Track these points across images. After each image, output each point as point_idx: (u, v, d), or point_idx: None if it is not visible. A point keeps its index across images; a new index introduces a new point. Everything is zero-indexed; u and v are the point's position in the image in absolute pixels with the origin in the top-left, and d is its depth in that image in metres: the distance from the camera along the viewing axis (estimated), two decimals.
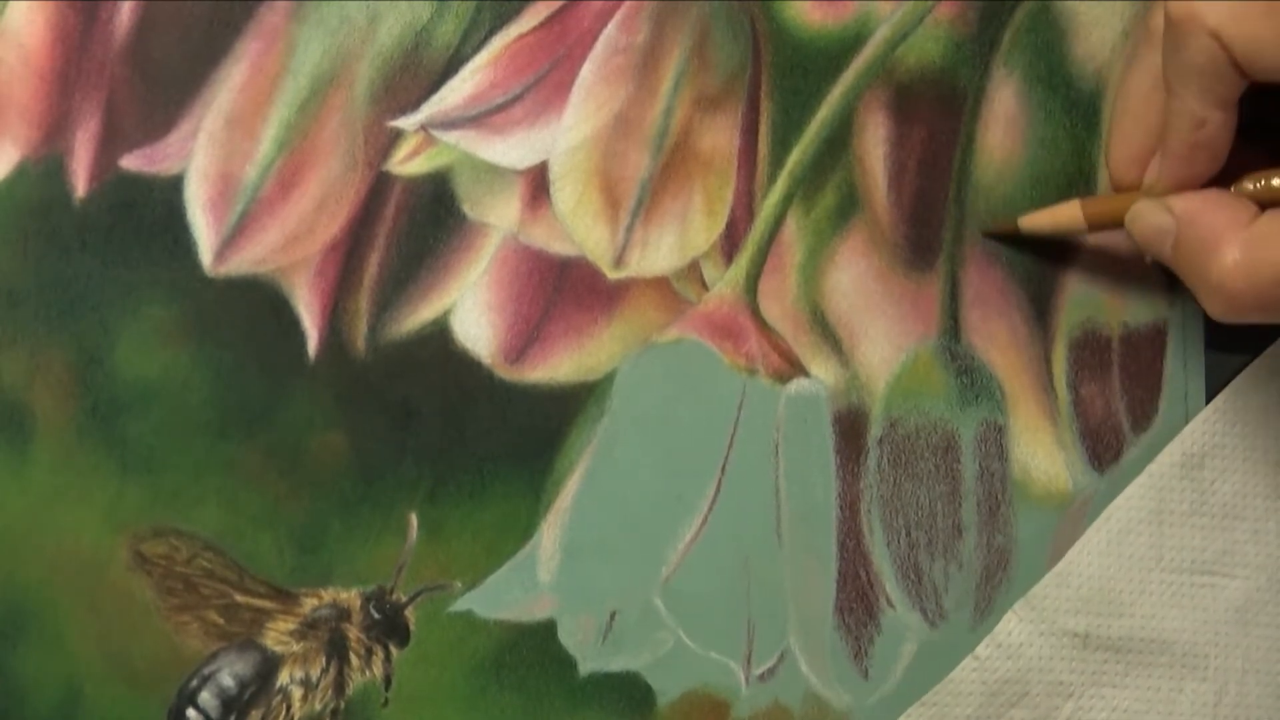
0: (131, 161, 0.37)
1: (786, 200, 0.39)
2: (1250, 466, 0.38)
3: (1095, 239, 0.39)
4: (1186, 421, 0.39)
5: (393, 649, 0.37)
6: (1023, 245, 0.39)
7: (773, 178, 0.39)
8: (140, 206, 0.37)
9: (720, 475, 0.38)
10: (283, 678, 0.37)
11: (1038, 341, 0.39)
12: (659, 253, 0.38)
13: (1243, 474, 0.38)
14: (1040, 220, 0.38)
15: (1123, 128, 0.37)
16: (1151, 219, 0.35)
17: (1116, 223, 0.37)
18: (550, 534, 0.38)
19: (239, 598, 0.37)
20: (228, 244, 0.37)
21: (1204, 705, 0.38)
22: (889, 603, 0.39)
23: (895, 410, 0.39)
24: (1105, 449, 0.39)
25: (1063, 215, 0.38)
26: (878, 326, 0.39)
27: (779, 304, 0.39)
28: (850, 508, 0.39)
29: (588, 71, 0.38)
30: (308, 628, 0.37)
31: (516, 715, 0.37)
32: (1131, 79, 0.37)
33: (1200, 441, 0.38)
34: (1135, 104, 0.37)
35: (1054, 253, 0.39)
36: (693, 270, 0.38)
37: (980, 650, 0.38)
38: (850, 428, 0.39)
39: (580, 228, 0.38)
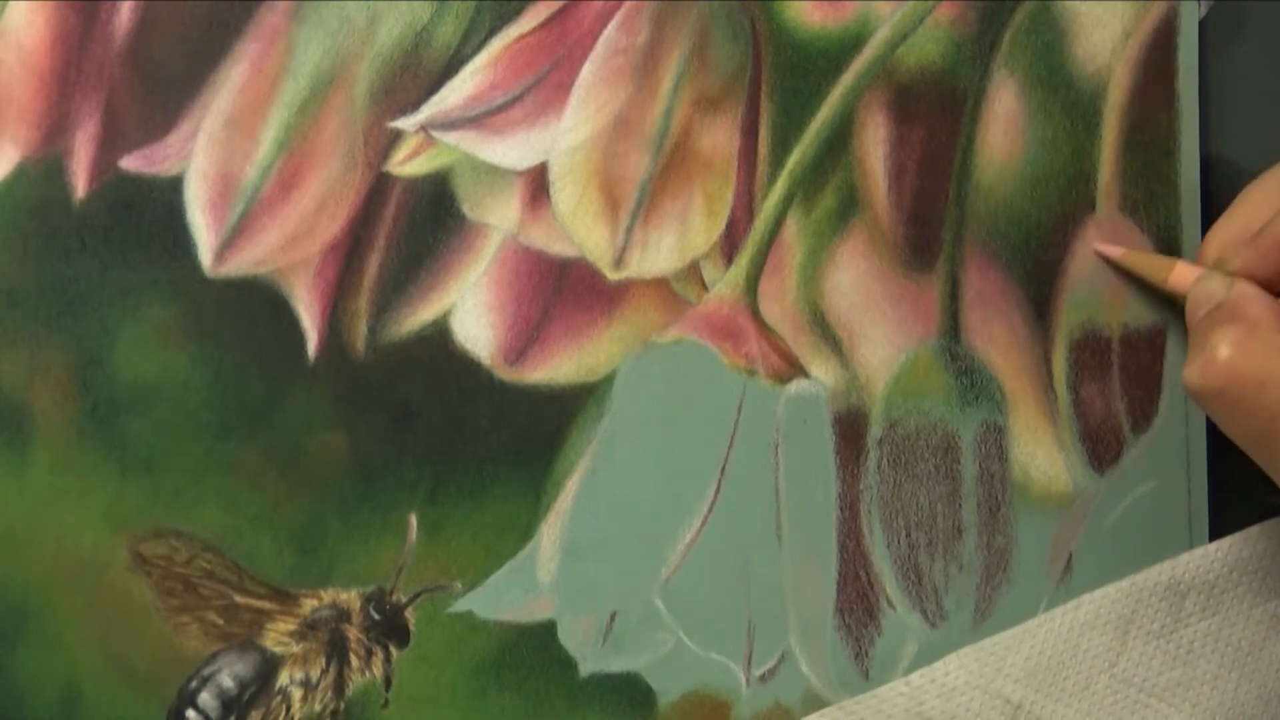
0: (131, 162, 0.37)
1: (786, 201, 0.39)
2: (1232, 615, 0.38)
3: (1095, 235, 0.39)
4: (1187, 422, 0.40)
5: (393, 650, 0.37)
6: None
7: (773, 178, 0.39)
8: (140, 207, 0.37)
9: (720, 476, 0.38)
10: (283, 678, 0.37)
11: (1038, 342, 0.39)
12: (659, 253, 0.38)
13: (1221, 619, 0.38)
14: (1138, 261, 0.39)
15: (1235, 210, 0.37)
16: (1210, 285, 0.36)
17: (1172, 289, 0.38)
18: (550, 535, 0.38)
19: (239, 598, 0.37)
20: (227, 245, 0.37)
21: None
22: (889, 603, 0.39)
23: (895, 411, 0.39)
24: (1105, 450, 0.39)
25: (1153, 265, 0.39)
26: (878, 327, 0.39)
27: (779, 305, 0.39)
28: (850, 508, 0.39)
29: (588, 72, 0.38)
30: (308, 628, 0.37)
31: (517, 716, 0.37)
32: (1268, 175, 0.37)
33: (1192, 573, 0.38)
34: (1258, 193, 0.37)
35: (1054, 253, 0.39)
36: (693, 271, 0.38)
37: (914, 678, 0.38)
38: (850, 428, 0.39)
39: (580, 228, 0.38)
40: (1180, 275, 0.38)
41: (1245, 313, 0.35)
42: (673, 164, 0.38)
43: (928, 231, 0.39)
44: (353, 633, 0.37)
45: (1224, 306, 0.35)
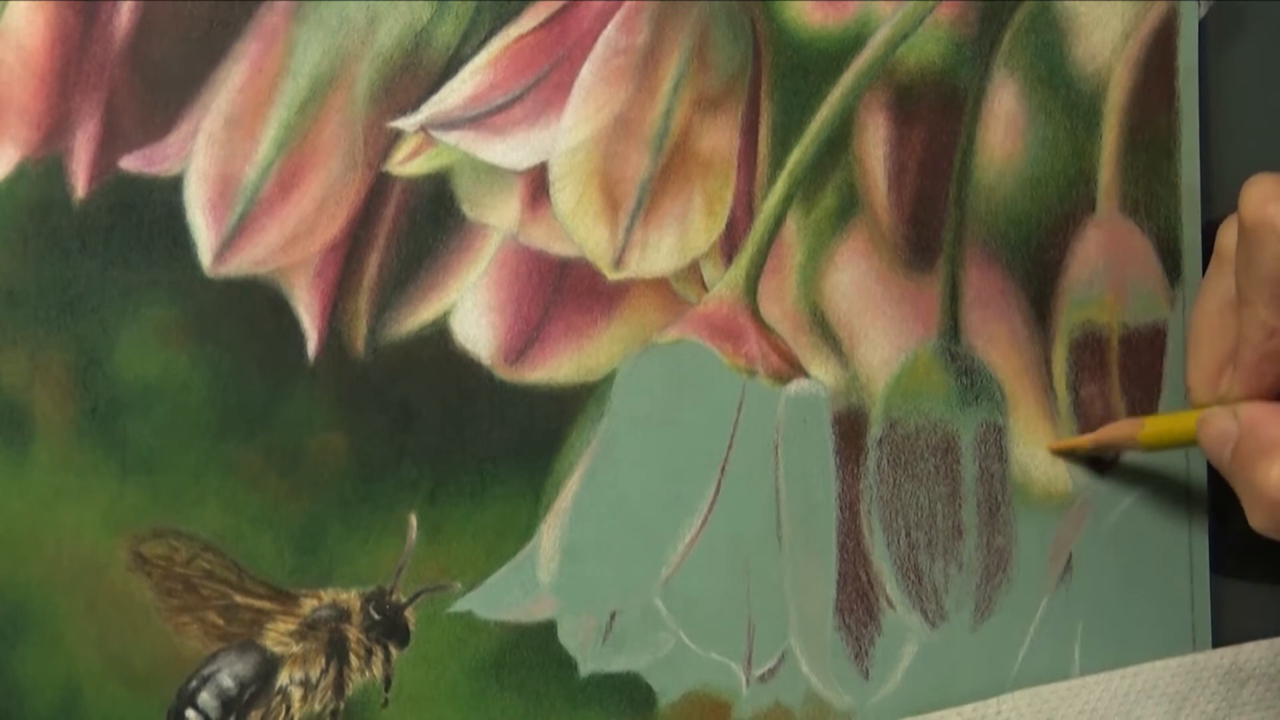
0: (131, 162, 0.37)
1: (786, 201, 0.39)
2: None
3: (1095, 236, 0.39)
4: None
5: (393, 650, 0.37)
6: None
7: (773, 178, 0.39)
8: (140, 207, 0.37)
9: (720, 476, 0.38)
10: (282, 678, 0.37)
11: (1038, 342, 0.39)
12: (659, 253, 0.38)
13: (1276, 714, 0.38)
14: (1105, 435, 0.38)
15: (1197, 350, 0.37)
16: (1218, 424, 0.35)
17: (1179, 441, 0.37)
18: (550, 535, 0.38)
19: (239, 599, 0.37)
20: (227, 245, 0.37)
21: None
22: (889, 603, 0.39)
23: (895, 411, 0.39)
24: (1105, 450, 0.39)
25: (1122, 431, 0.38)
26: (877, 327, 0.39)
27: (779, 305, 0.39)
28: (850, 508, 0.39)
29: (587, 72, 0.38)
30: (307, 629, 0.37)
31: (517, 716, 0.37)
32: (1204, 301, 0.37)
33: (1255, 663, 0.38)
34: (1208, 325, 0.37)
35: (1054, 254, 0.39)
36: (692, 271, 0.38)
37: (966, 710, 0.38)
38: (850, 428, 0.39)
39: (580, 228, 0.38)
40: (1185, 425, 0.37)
41: (1269, 438, 0.33)
42: (673, 164, 0.38)
43: (928, 232, 0.39)
44: (353, 633, 0.37)
45: (1245, 440, 0.34)
